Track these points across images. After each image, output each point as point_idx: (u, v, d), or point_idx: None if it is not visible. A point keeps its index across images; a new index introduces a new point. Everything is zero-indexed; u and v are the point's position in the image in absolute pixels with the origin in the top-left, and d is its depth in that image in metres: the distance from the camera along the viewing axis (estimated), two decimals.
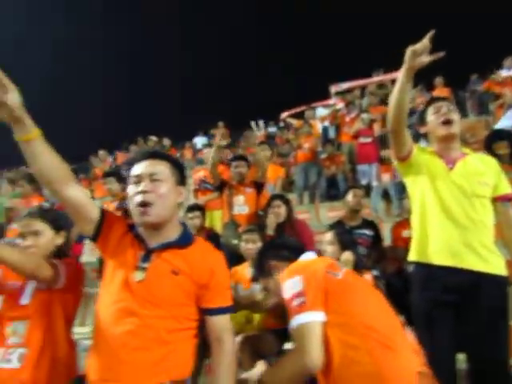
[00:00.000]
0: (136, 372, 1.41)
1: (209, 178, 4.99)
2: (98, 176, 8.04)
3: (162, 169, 1.58)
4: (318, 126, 9.05)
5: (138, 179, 1.56)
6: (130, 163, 1.64)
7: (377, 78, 9.28)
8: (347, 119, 8.29)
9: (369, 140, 7.19)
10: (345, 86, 9.74)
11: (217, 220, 5.01)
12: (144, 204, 1.52)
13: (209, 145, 6.79)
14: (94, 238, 1.59)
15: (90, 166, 9.14)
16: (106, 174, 5.24)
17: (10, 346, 1.79)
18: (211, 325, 1.59)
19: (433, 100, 2.28)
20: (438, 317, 1.97)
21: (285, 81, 22.16)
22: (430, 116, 2.17)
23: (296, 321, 1.53)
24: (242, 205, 4.14)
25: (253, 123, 12.10)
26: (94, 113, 23.75)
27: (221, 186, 4.27)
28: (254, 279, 1.86)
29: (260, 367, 1.70)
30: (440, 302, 1.97)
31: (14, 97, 1.30)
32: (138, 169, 1.58)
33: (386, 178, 6.32)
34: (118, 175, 5.30)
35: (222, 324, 1.59)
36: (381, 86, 9.27)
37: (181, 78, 24.46)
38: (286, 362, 1.57)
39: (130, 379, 1.41)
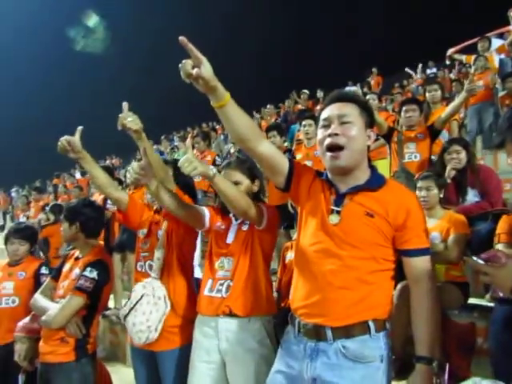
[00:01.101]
0: (341, 309, 1.48)
1: None
2: (262, 129, 8.47)
3: (351, 111, 1.56)
4: (495, 59, 7.77)
5: (327, 122, 1.56)
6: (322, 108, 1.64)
7: None
8: None
9: None
10: None
11: (381, 169, 4.80)
12: (334, 147, 1.52)
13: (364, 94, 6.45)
14: (287, 188, 1.66)
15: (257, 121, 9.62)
16: (268, 128, 5.48)
17: (219, 278, 2.06)
18: (409, 267, 1.56)
19: None
20: None
21: (444, 14, 19.52)
22: None
23: None
24: (414, 152, 3.87)
25: (407, 69, 11.16)
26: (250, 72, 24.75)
27: (389, 134, 4.05)
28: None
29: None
30: None
31: (207, 68, 1.34)
32: (327, 112, 1.59)
33: None
34: (280, 129, 5.48)
35: (421, 266, 1.53)
36: None
37: (333, 28, 23.63)
38: None
39: (335, 315, 1.48)
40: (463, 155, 3.40)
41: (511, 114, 1.28)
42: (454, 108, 3.80)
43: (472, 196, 3.42)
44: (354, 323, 1.48)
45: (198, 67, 1.34)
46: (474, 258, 1.34)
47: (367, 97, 5.16)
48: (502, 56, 8.04)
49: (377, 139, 4.83)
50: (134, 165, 1.95)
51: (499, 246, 2.61)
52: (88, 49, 28.92)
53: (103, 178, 2.27)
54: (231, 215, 2.16)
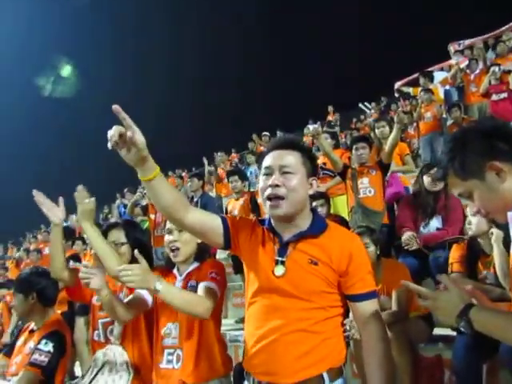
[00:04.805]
0: (291, 365, 1.43)
1: (328, 165, 4.89)
2: (222, 177, 8.52)
3: (293, 160, 1.53)
4: (440, 91, 8.24)
5: (269, 171, 1.53)
6: (263, 153, 1.62)
7: (508, 26, 8.11)
8: (471, 77, 7.45)
9: (504, 95, 6.33)
10: (467, 42, 8.72)
11: (340, 206, 4.89)
12: (274, 197, 1.50)
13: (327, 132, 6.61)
14: (227, 247, 1.62)
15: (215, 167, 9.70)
16: (229, 173, 5.53)
17: (167, 346, 1.95)
18: (356, 311, 1.53)
19: None
20: None
21: (393, 49, 20.72)
22: None
23: None
24: (368, 187, 3.98)
25: (361, 105, 11.71)
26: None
27: (344, 171, 4.15)
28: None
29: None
30: None
31: (140, 137, 1.32)
32: (269, 160, 1.55)
33: None
34: (241, 173, 5.55)
35: (367, 310, 1.51)
36: None
37: (288, 67, 24.61)
38: None
39: (286, 372, 1.43)
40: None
41: (451, 148, 1.27)
42: (392, 140, 3.92)
43: (435, 222, 3.50)
44: (308, 378, 1.43)
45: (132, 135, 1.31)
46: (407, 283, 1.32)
47: (324, 135, 5.24)
48: (447, 87, 8.55)
49: (334, 176, 4.96)
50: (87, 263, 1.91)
51: (453, 275, 2.67)
52: (57, 94, 28.98)
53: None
54: (175, 271, 2.09)
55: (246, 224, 1.65)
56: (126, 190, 9.32)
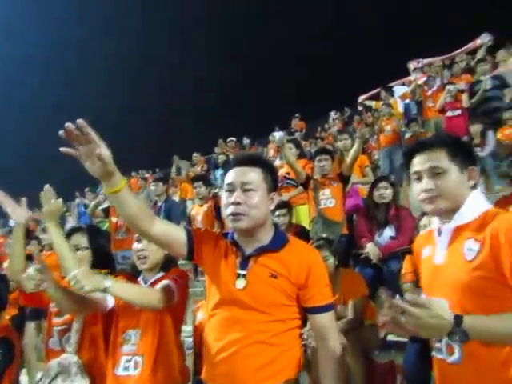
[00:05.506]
0: (252, 376, 1.47)
1: (291, 174, 4.98)
2: (190, 177, 8.52)
3: (254, 177, 1.57)
4: (399, 105, 8.60)
5: (231, 188, 1.58)
6: (226, 169, 1.66)
7: (462, 49, 8.63)
8: (429, 93, 7.83)
9: (458, 112, 6.70)
10: (425, 61, 9.19)
11: (302, 215, 4.98)
12: (236, 214, 1.54)
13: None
14: (190, 258, 1.64)
15: (182, 169, 9.60)
16: (195, 178, 5.53)
17: (125, 353, 1.94)
18: (314, 323, 1.59)
19: None
20: None
21: (357, 62, 21.33)
22: None
23: None
24: (329, 198, 4.09)
25: (331, 114, 12.03)
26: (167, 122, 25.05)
27: (306, 182, 4.24)
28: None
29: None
30: None
31: (105, 151, 1.32)
32: (231, 176, 1.59)
33: (479, 152, 5.83)
34: (206, 179, 5.55)
35: (324, 322, 1.57)
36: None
37: (255, 73, 24.68)
38: None
39: (247, 383, 1.47)
40: (389, 191, 3.71)
41: (448, 135, 1.48)
42: (354, 153, 4.06)
43: (388, 231, 3.69)
44: None
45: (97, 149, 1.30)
46: (397, 298, 1.23)
47: (288, 145, 5.24)
48: (407, 101, 8.93)
49: (297, 186, 5.05)
50: (31, 271, 1.83)
51: (406, 286, 2.80)
52: None
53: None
54: (140, 279, 2.10)
55: (209, 237, 1.68)
56: (86, 190, 9.10)
